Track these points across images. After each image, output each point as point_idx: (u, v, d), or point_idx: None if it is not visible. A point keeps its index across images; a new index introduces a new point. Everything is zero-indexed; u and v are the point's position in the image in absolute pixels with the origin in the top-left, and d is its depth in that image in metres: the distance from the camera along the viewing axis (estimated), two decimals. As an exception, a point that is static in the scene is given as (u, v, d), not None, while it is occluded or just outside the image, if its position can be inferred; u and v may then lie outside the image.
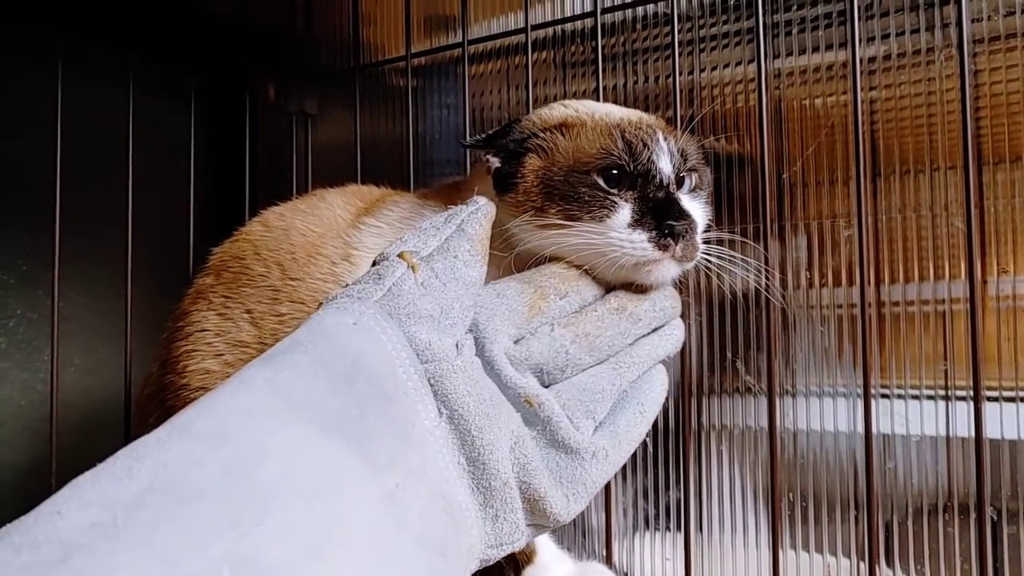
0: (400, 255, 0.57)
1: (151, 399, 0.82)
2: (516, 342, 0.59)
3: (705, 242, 0.69)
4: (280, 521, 0.40)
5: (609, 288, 0.65)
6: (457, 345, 0.55)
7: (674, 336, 0.66)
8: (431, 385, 0.52)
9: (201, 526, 0.39)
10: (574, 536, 1.08)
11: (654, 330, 0.65)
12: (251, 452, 0.43)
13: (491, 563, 0.55)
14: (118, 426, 1.08)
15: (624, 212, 0.65)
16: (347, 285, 0.57)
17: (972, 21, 0.87)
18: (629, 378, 0.62)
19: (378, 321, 0.53)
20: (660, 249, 0.64)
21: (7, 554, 0.37)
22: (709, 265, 0.69)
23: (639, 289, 0.65)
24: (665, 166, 0.68)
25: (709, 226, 0.72)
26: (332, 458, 0.45)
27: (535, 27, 1.08)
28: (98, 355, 1.19)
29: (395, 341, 0.52)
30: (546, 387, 0.59)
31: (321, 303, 0.57)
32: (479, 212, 0.60)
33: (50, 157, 1.06)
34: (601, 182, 0.67)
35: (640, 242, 0.64)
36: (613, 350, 0.62)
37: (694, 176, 0.72)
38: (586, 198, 0.66)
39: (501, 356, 0.57)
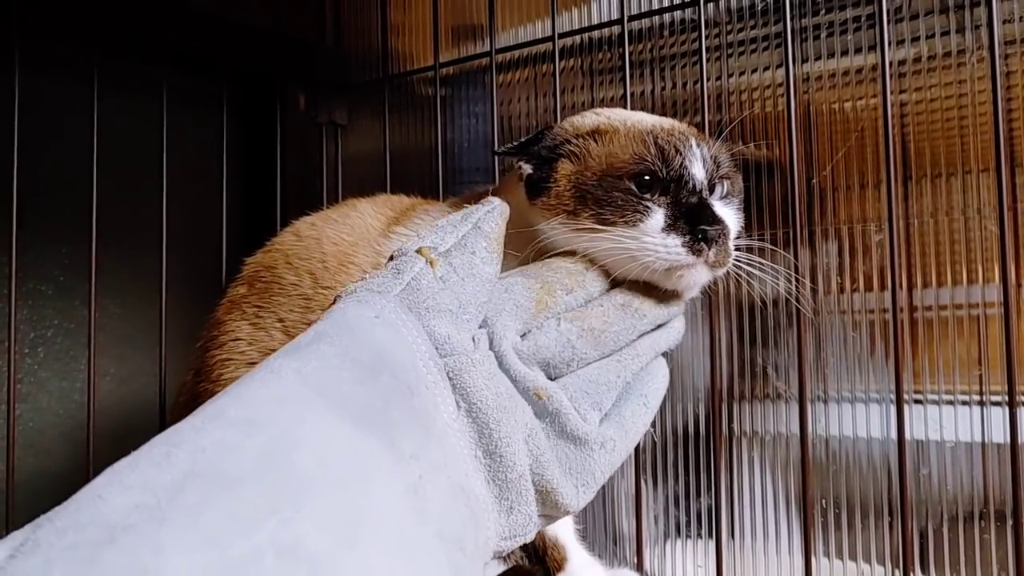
0: (418, 251, 0.57)
1: (185, 407, 0.83)
2: (523, 336, 0.59)
3: (736, 248, 0.69)
4: (317, 509, 0.41)
5: (615, 283, 0.65)
6: (474, 339, 0.56)
7: (674, 328, 0.66)
8: (450, 379, 0.53)
9: (244, 511, 0.39)
10: (605, 543, 1.08)
11: (658, 326, 0.65)
12: (285, 440, 0.43)
13: (503, 555, 0.56)
14: (153, 434, 1.08)
15: (657, 217, 0.65)
16: (363, 279, 0.58)
17: (1003, 23, 0.86)
18: (633, 370, 0.62)
19: (399, 315, 0.53)
20: (694, 254, 0.64)
21: (51, 536, 0.37)
22: (739, 272, 0.69)
23: (646, 288, 0.65)
24: (698, 172, 0.68)
25: (740, 233, 0.72)
26: (362, 448, 0.45)
27: (562, 35, 1.08)
28: (133, 364, 1.20)
29: (415, 335, 0.53)
30: (552, 380, 0.59)
31: (339, 295, 0.57)
32: (495, 211, 0.61)
33: (86, 171, 1.08)
34: (634, 187, 0.67)
35: (674, 247, 0.64)
36: (618, 345, 0.62)
37: (726, 183, 0.72)
38: (619, 202, 0.66)
39: (510, 351, 0.57)
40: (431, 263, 0.56)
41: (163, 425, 1.07)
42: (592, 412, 0.59)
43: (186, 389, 0.85)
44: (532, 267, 0.64)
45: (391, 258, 0.59)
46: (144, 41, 1.15)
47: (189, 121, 1.24)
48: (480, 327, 0.58)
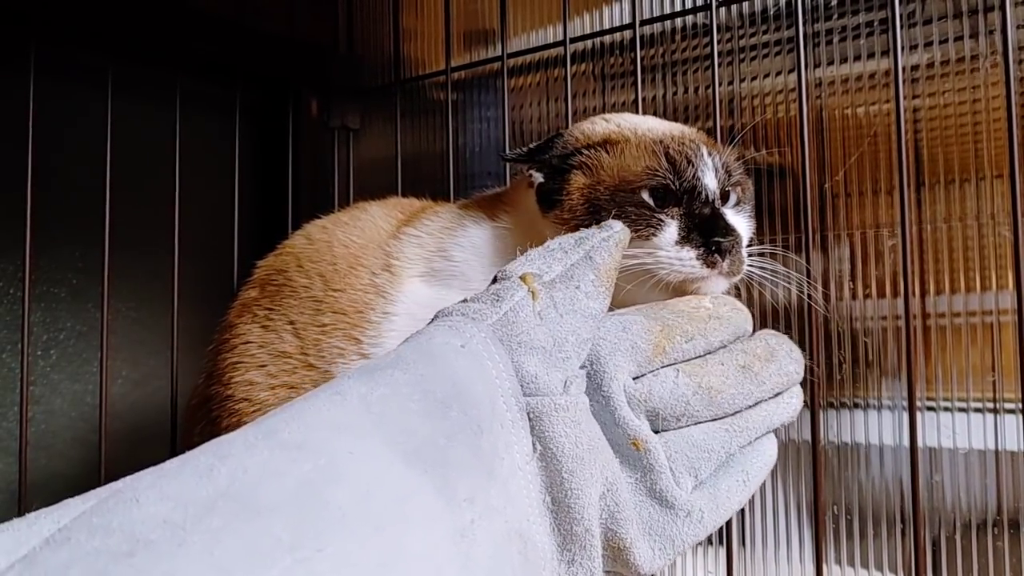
0: (522, 277, 0.54)
1: (197, 410, 0.83)
2: (635, 379, 0.55)
3: (748, 255, 0.69)
4: (342, 550, 0.39)
5: (735, 335, 0.60)
6: (566, 382, 0.52)
7: (792, 405, 0.60)
8: (530, 419, 0.50)
9: (263, 543, 0.38)
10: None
11: (775, 395, 0.60)
12: (327, 471, 0.41)
13: None
14: (165, 436, 1.09)
15: (671, 230, 0.66)
16: (464, 301, 0.55)
17: (1017, 27, 0.85)
18: (740, 443, 0.57)
19: (487, 346, 0.50)
20: (708, 266, 0.64)
21: (83, 535, 0.37)
22: (752, 278, 0.69)
23: (767, 353, 0.60)
24: (710, 182, 0.68)
25: (752, 239, 0.72)
26: (409, 488, 0.43)
27: (574, 40, 1.08)
28: (146, 367, 1.21)
29: (500, 369, 0.50)
30: (655, 432, 0.55)
31: (436, 316, 0.54)
32: (611, 240, 0.57)
33: (100, 174, 1.08)
34: (647, 201, 0.67)
35: (688, 260, 0.64)
36: (732, 409, 0.57)
37: (738, 190, 0.72)
38: (633, 217, 0.66)
39: (620, 393, 0.54)
40: (533, 293, 0.53)
41: (175, 428, 1.08)
42: (686, 477, 0.55)
43: (198, 392, 0.85)
44: (651, 306, 0.59)
45: (494, 280, 0.56)
46: (158, 46, 1.16)
47: (202, 126, 1.25)
48: (582, 367, 0.54)
